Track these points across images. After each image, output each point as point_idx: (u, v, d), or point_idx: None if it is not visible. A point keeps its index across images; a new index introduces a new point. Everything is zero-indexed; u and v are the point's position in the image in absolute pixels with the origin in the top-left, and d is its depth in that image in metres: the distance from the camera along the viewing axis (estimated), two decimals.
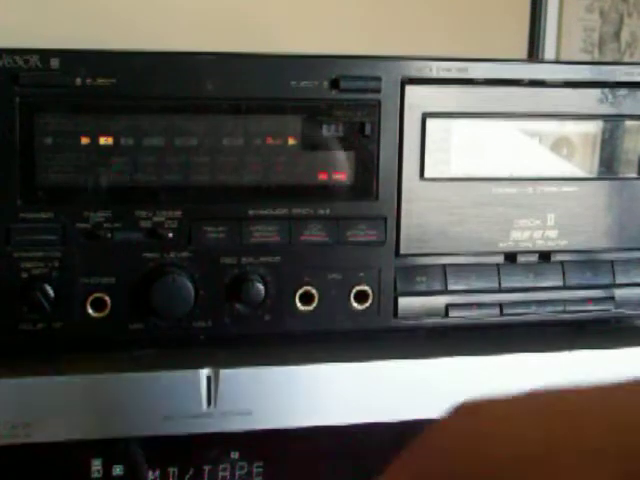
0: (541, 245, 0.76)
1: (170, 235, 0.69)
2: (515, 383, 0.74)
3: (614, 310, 0.79)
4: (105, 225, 0.68)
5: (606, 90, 0.76)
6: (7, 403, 0.66)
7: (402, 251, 0.73)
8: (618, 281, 0.78)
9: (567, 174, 0.77)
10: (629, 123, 0.78)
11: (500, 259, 0.76)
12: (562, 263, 0.77)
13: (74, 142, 0.67)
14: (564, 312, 0.78)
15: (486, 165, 0.75)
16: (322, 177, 0.72)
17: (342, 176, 0.72)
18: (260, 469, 0.71)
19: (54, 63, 0.66)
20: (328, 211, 0.72)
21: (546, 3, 1.18)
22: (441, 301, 0.75)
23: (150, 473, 0.70)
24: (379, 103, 0.71)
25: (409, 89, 0.72)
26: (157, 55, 0.69)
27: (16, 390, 0.66)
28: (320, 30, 1.11)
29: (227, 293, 0.71)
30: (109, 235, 0.68)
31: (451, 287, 0.75)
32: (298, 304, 0.72)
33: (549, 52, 1.19)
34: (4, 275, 0.67)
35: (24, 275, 0.68)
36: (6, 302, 0.68)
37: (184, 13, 1.08)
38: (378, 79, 0.71)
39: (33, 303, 0.67)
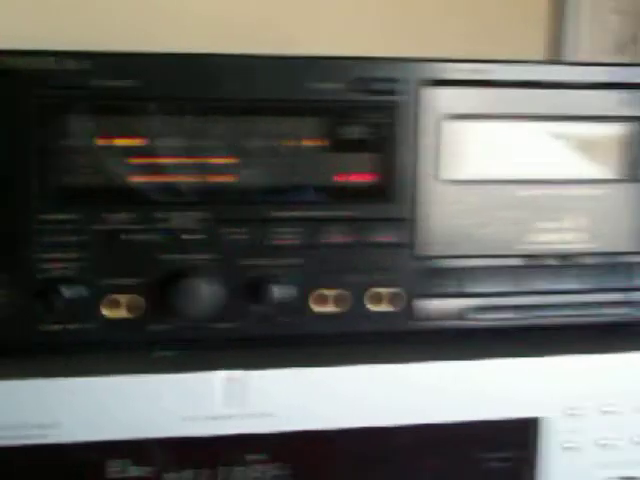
0: (562, 248, 0.76)
1: (190, 237, 0.69)
2: (535, 387, 0.74)
3: (635, 313, 0.78)
4: (124, 227, 0.68)
5: (628, 92, 0.75)
6: (26, 404, 0.66)
7: (422, 253, 0.73)
8: (639, 284, 0.78)
9: (589, 176, 0.76)
10: None
11: (520, 262, 0.76)
12: (583, 266, 0.77)
13: (94, 143, 0.68)
14: (584, 315, 0.77)
15: (505, 167, 0.74)
16: (342, 179, 0.71)
17: (362, 178, 0.72)
18: (283, 471, 0.71)
19: (73, 64, 0.66)
20: (348, 213, 0.72)
21: (567, 4, 1.17)
22: (460, 304, 0.75)
23: (167, 475, 0.70)
24: (399, 105, 0.71)
25: (429, 91, 0.72)
26: (177, 57, 0.69)
27: (35, 391, 0.66)
28: (339, 32, 1.11)
29: (249, 295, 0.71)
30: (128, 237, 0.68)
31: (470, 290, 0.75)
32: (319, 306, 0.72)
33: (569, 53, 1.18)
34: (23, 276, 0.68)
35: (43, 276, 0.68)
36: (25, 303, 0.68)
37: (204, 20, 1.08)
38: (398, 81, 0.71)
39: (52, 304, 0.68)
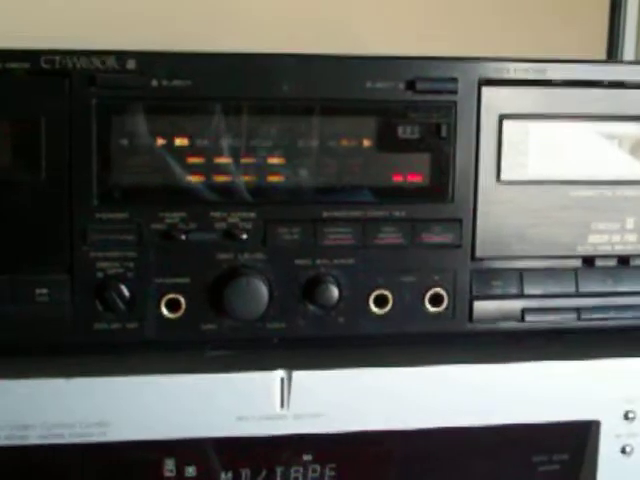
0: (620, 249, 0.75)
1: (244, 236, 0.69)
2: (595, 389, 0.73)
3: None
4: (180, 226, 0.68)
5: None
6: (82, 402, 0.67)
7: (478, 254, 0.73)
8: None
9: None
10: None
11: (578, 263, 0.75)
12: None
13: (150, 143, 0.68)
14: None
15: (564, 168, 0.74)
16: (397, 179, 0.71)
17: (418, 178, 0.71)
18: (333, 472, 0.71)
19: (131, 64, 0.67)
20: (403, 213, 0.71)
21: (626, 2, 1.16)
22: (517, 305, 0.74)
23: (222, 474, 0.70)
24: (455, 104, 0.71)
25: (486, 90, 0.71)
26: (233, 56, 0.69)
27: (91, 389, 0.67)
28: (395, 31, 1.11)
29: (301, 295, 0.71)
30: (184, 236, 0.68)
31: (527, 291, 0.74)
32: (372, 307, 0.72)
33: (628, 52, 1.17)
34: (80, 274, 0.68)
35: (100, 275, 0.68)
36: (82, 301, 0.68)
37: (264, 20, 1.08)
38: (455, 80, 0.70)
39: (108, 303, 0.68)
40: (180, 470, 0.69)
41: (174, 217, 0.68)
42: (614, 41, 1.17)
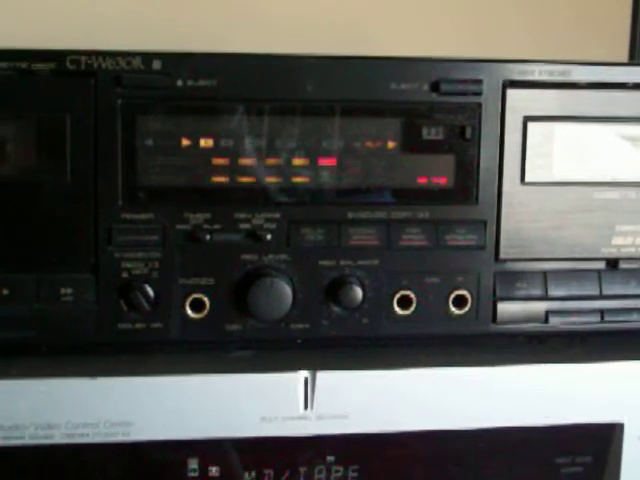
0: None
1: (269, 237, 0.69)
2: (617, 392, 0.73)
3: None
4: (204, 226, 0.69)
5: None
6: (107, 402, 0.67)
7: (502, 256, 0.73)
8: None
9: None
10: None
11: (602, 265, 0.75)
12: None
13: (175, 143, 0.68)
14: None
15: (588, 169, 0.74)
16: (421, 180, 0.71)
17: (442, 180, 0.71)
18: (355, 473, 0.71)
19: (156, 65, 0.67)
20: (427, 215, 0.71)
21: None
22: (541, 307, 0.74)
23: (246, 475, 0.70)
24: (480, 106, 0.71)
25: (511, 92, 0.71)
26: (258, 57, 0.69)
27: (115, 389, 0.67)
28: (418, 33, 1.11)
29: (325, 296, 0.71)
30: (208, 237, 0.69)
31: (551, 293, 0.74)
32: (396, 308, 0.72)
33: None
34: (105, 274, 0.68)
35: (125, 275, 0.68)
36: (106, 301, 0.68)
37: (284, 21, 1.08)
38: (479, 82, 0.70)
39: (133, 303, 0.68)
40: (203, 470, 0.69)
41: (199, 218, 0.69)
42: (636, 43, 1.17)
